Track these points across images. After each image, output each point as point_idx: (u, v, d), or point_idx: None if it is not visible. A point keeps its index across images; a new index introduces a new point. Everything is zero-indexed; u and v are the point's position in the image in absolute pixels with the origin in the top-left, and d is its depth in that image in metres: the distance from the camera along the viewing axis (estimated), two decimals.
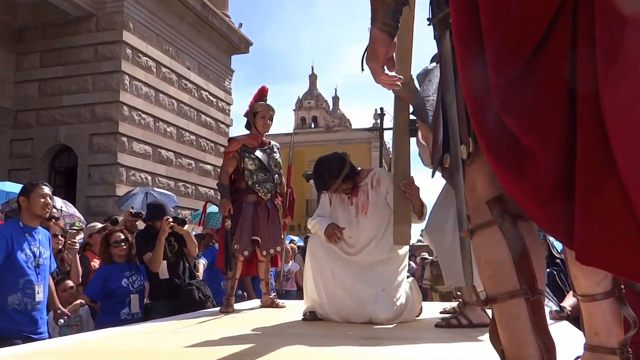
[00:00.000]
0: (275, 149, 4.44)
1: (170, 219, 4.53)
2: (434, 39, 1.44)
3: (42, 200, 3.67)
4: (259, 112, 4.31)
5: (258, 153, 4.27)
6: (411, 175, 3.18)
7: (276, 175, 4.34)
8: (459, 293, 3.49)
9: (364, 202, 3.44)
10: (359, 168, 3.57)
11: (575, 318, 3.62)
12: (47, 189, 3.75)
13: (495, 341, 1.32)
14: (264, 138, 4.40)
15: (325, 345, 2.46)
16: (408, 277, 3.54)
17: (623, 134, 1.06)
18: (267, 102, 4.39)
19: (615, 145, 1.07)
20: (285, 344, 2.38)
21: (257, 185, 4.20)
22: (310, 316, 3.41)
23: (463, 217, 1.35)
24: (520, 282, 1.25)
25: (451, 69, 1.34)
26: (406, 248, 3.53)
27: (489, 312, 3.19)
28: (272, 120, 4.40)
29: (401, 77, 1.63)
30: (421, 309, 3.56)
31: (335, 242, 3.39)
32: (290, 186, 4.49)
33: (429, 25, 1.46)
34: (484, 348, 2.39)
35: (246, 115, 4.44)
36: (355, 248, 3.41)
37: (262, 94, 4.42)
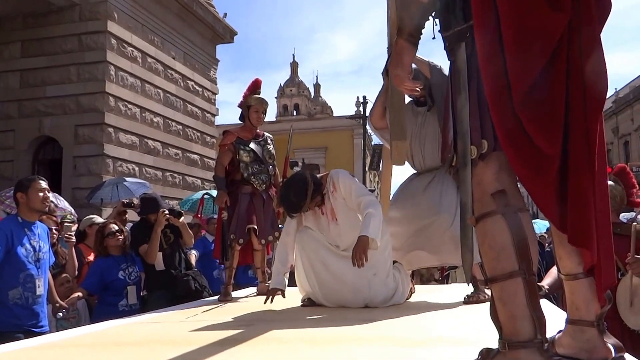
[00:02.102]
0: (269, 141, 4.53)
1: (167, 211, 4.57)
2: (445, 49, 1.62)
3: (41, 194, 3.70)
4: (253, 105, 4.39)
5: (252, 145, 4.36)
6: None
7: (270, 167, 4.43)
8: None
9: (330, 209, 3.45)
10: (319, 176, 3.56)
11: (553, 296, 3.80)
12: (44, 183, 3.78)
13: (495, 317, 1.47)
14: (257, 130, 4.48)
15: (331, 327, 2.56)
16: (394, 262, 3.60)
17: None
18: (261, 95, 4.47)
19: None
20: (292, 328, 2.48)
21: (252, 177, 4.29)
22: (309, 302, 3.51)
23: (468, 207, 1.52)
24: (519, 264, 1.41)
25: (465, 76, 1.51)
26: (389, 238, 3.51)
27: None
28: (265, 113, 4.50)
29: (421, 83, 1.81)
30: (410, 291, 3.67)
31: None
32: (285, 176, 4.58)
33: (433, 38, 1.66)
34: (482, 324, 2.51)
35: (240, 106, 4.50)
36: (341, 247, 3.47)
37: (255, 87, 4.48)
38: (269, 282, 4.62)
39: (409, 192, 3.71)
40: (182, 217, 4.78)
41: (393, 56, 1.70)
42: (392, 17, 2.86)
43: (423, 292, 4.05)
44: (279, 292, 3.49)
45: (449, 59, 1.62)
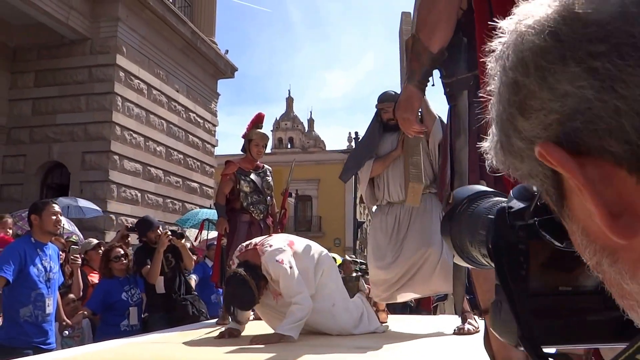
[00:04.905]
0: (268, 173, 4.74)
1: (169, 232, 4.76)
2: (445, 94, 1.74)
3: (54, 217, 3.91)
4: (254, 139, 4.61)
5: (253, 176, 4.57)
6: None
7: (268, 197, 4.64)
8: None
9: (274, 290, 3.35)
10: (250, 257, 3.36)
11: None
12: (57, 207, 3.99)
13: (488, 347, 1.58)
14: (258, 162, 4.70)
15: (327, 354, 2.67)
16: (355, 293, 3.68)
17: None
18: (263, 130, 4.71)
19: None
20: (288, 352, 2.62)
21: (251, 206, 4.49)
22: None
23: None
24: None
25: (465, 120, 1.63)
26: (330, 265, 3.57)
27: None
28: (265, 147, 4.73)
29: (426, 127, 1.89)
30: (381, 320, 3.77)
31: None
32: (284, 207, 4.77)
33: (432, 85, 1.76)
34: (474, 353, 2.59)
35: (244, 137, 4.71)
36: None
37: (258, 120, 4.71)
38: None
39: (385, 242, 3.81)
40: (184, 239, 4.98)
41: (402, 101, 1.77)
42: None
43: (413, 322, 4.15)
44: (235, 333, 3.39)
45: (448, 103, 1.72)
